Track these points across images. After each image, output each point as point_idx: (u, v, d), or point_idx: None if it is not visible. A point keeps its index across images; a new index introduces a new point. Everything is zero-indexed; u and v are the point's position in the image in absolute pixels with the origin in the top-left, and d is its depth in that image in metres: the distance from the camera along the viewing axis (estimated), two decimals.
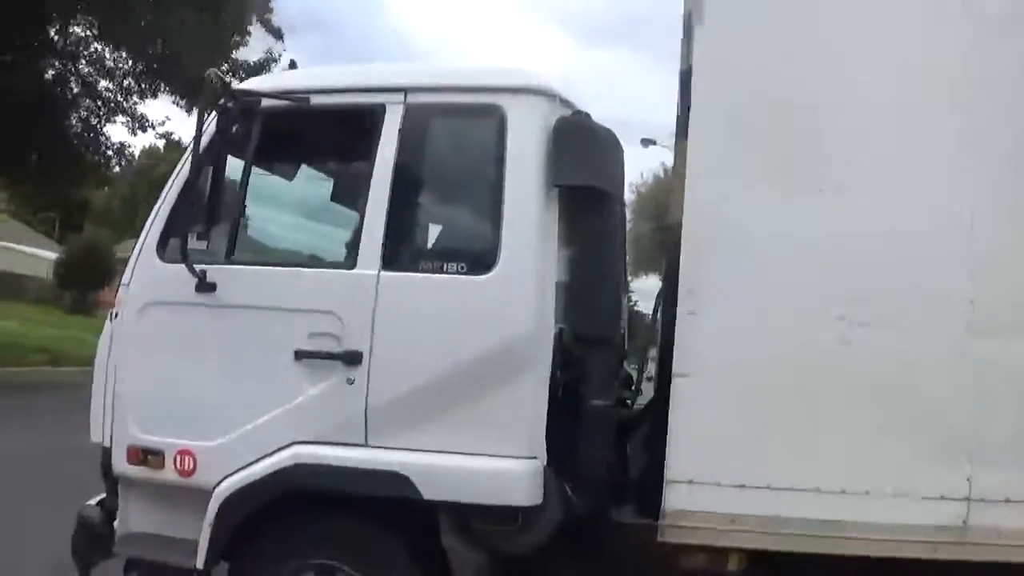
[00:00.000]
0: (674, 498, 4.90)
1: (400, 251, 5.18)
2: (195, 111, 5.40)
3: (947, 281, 4.81)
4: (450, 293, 5.04)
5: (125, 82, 27.07)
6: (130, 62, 26.48)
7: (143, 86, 26.78)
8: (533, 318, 5.00)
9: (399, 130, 5.26)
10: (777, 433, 4.88)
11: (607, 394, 5.36)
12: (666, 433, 4.93)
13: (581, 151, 5.10)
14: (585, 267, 5.27)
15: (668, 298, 5.23)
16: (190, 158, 5.38)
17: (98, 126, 27.46)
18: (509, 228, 5.01)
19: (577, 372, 5.21)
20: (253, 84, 5.72)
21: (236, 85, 5.51)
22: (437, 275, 5.07)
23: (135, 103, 27.12)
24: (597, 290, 5.32)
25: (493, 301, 4.99)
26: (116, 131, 38.82)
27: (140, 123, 27.01)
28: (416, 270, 5.12)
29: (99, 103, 27.25)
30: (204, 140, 5.29)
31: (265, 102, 5.34)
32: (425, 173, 5.38)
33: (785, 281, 4.92)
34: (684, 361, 4.95)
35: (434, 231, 5.31)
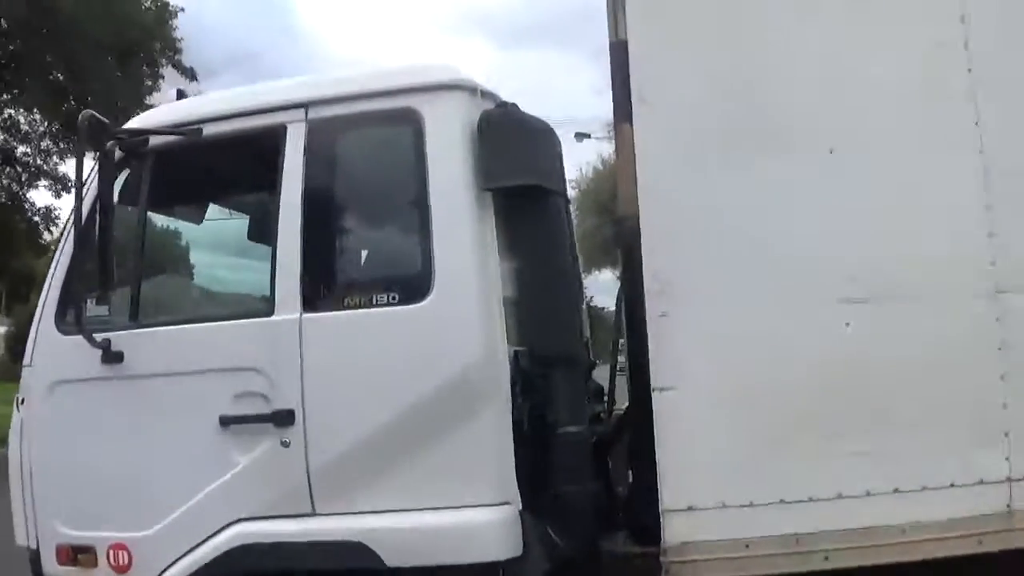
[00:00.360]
0: (674, 529, 4.28)
1: (321, 288, 4.63)
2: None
3: (963, 245, 4.27)
4: (383, 328, 4.50)
5: (42, 144, 26.61)
6: (45, 123, 26.02)
7: (61, 146, 26.17)
8: (482, 344, 4.44)
9: (304, 151, 4.68)
10: (785, 439, 4.28)
11: (578, 417, 4.81)
12: (649, 446, 4.38)
13: (512, 147, 4.57)
14: (534, 277, 4.74)
15: (632, 300, 4.63)
16: (74, 214, 4.79)
17: (21, 193, 26.97)
18: (441, 245, 4.46)
19: (541, 397, 4.71)
20: (136, 122, 5.15)
21: (116, 126, 4.91)
22: (366, 310, 4.52)
23: (56, 164, 26.65)
24: (551, 301, 4.77)
25: (433, 331, 4.44)
26: (40, 196, 38.00)
27: (63, 184, 26.23)
28: (341, 307, 4.57)
29: (19, 169, 26.68)
30: (89, 191, 4.71)
31: (152, 140, 4.82)
32: (339, 195, 4.78)
33: (771, 266, 4.35)
34: (664, 372, 4.34)
35: (357, 260, 4.76)
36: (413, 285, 4.49)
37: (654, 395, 4.32)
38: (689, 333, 4.31)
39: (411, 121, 4.57)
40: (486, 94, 4.77)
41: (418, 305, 4.45)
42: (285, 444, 4.51)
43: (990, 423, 4.19)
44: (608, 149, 29.75)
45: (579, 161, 38.43)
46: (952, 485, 4.16)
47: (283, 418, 4.50)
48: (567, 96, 70.26)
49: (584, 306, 6.22)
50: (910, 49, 4.35)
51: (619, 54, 4.59)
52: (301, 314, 4.53)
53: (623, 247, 4.76)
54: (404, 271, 4.61)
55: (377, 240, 4.81)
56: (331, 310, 4.57)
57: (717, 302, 4.32)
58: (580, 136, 31.69)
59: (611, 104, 4.64)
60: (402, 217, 4.71)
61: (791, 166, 4.37)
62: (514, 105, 4.75)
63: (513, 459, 4.42)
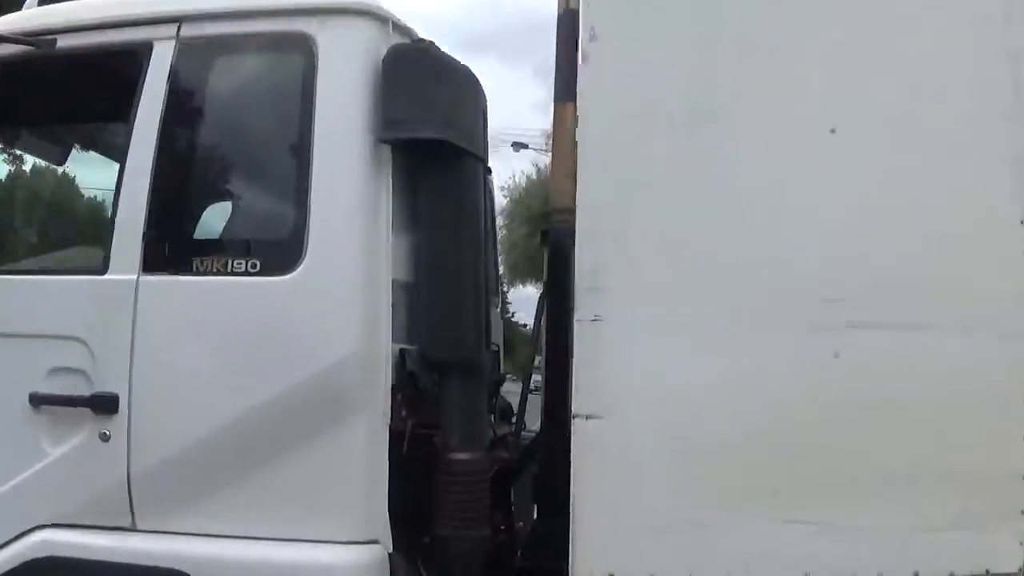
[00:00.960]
0: None
1: (168, 245, 3.77)
2: None
3: (995, 264, 3.40)
4: (238, 302, 3.67)
5: None
6: None
7: None
8: (359, 334, 3.61)
9: (168, 74, 3.82)
10: (742, 499, 3.39)
11: (475, 439, 3.90)
12: (561, 483, 3.53)
13: (422, 91, 3.71)
14: (436, 258, 3.84)
15: (556, 306, 4.00)
16: None
17: None
18: (319, 205, 3.61)
19: (430, 411, 3.83)
20: None
21: None
22: (219, 277, 3.67)
23: None
24: (454, 290, 3.85)
25: (299, 312, 3.62)
26: None
27: None
28: (190, 271, 3.70)
29: None
30: None
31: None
32: (204, 133, 3.93)
33: (741, 270, 3.44)
34: (590, 395, 3.41)
35: (216, 215, 4.01)
36: (280, 252, 3.66)
37: (574, 423, 3.43)
38: (626, 347, 3.43)
39: (301, 48, 3.73)
40: (400, 27, 3.91)
41: (283, 277, 3.61)
42: (104, 437, 3.67)
43: (1005, 495, 3.32)
44: (544, 160, 28.52)
45: (514, 170, 37.88)
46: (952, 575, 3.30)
47: (104, 404, 3.65)
48: (509, 110, 68.91)
49: (498, 308, 5.42)
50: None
51: (568, 25, 4.01)
52: (139, 275, 3.69)
53: (551, 246, 4.11)
54: (271, 234, 3.82)
55: (244, 192, 4.02)
56: (176, 273, 3.71)
57: (666, 310, 3.44)
58: (517, 146, 31.06)
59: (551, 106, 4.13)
60: (277, 166, 3.88)
61: (776, 142, 3.46)
62: (431, 43, 3.85)
63: (387, 486, 3.59)
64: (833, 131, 3.41)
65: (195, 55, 3.85)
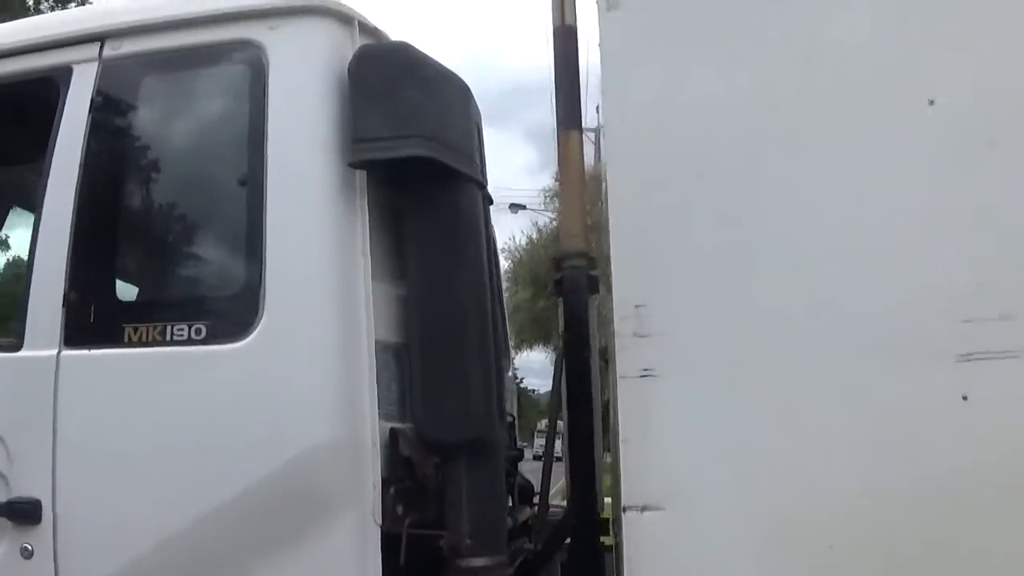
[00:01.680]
0: None
1: (94, 311, 3.05)
2: None
3: None
4: (181, 379, 2.94)
5: None
6: None
7: None
8: (335, 414, 2.86)
9: (90, 103, 3.16)
10: None
11: (492, 542, 3.09)
12: None
13: (400, 101, 2.97)
14: (431, 310, 3.08)
15: (573, 353, 3.46)
16: None
17: None
18: (277, 252, 2.91)
19: (433, 508, 3.03)
20: None
21: None
22: (157, 348, 2.95)
23: None
24: (456, 352, 3.07)
25: (256, 388, 2.88)
26: None
27: None
28: (121, 342, 2.98)
29: None
30: None
31: None
32: (135, 172, 3.23)
33: (835, 298, 2.68)
34: (644, 478, 2.69)
35: (152, 272, 3.32)
36: (230, 313, 2.97)
37: (625, 518, 2.68)
38: (691, 411, 2.69)
39: (248, 59, 3.05)
40: (368, 29, 3.18)
41: (235, 345, 2.89)
42: (26, 552, 2.98)
43: None
44: (543, 219, 28.65)
45: (512, 230, 37.40)
46: None
47: (23, 512, 2.98)
48: (502, 173, 68.54)
49: (510, 370, 4.59)
50: None
51: (564, 42, 3.60)
52: (59, 349, 3.01)
53: (566, 294, 3.56)
54: (218, 290, 3.11)
55: (185, 241, 3.25)
56: (105, 345, 3.01)
57: (742, 358, 2.70)
58: (515, 207, 30.27)
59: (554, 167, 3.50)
60: (224, 207, 3.15)
61: (861, 129, 2.71)
62: (407, 44, 3.12)
63: None
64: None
65: (122, 77, 3.19)
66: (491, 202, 3.58)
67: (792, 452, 2.63)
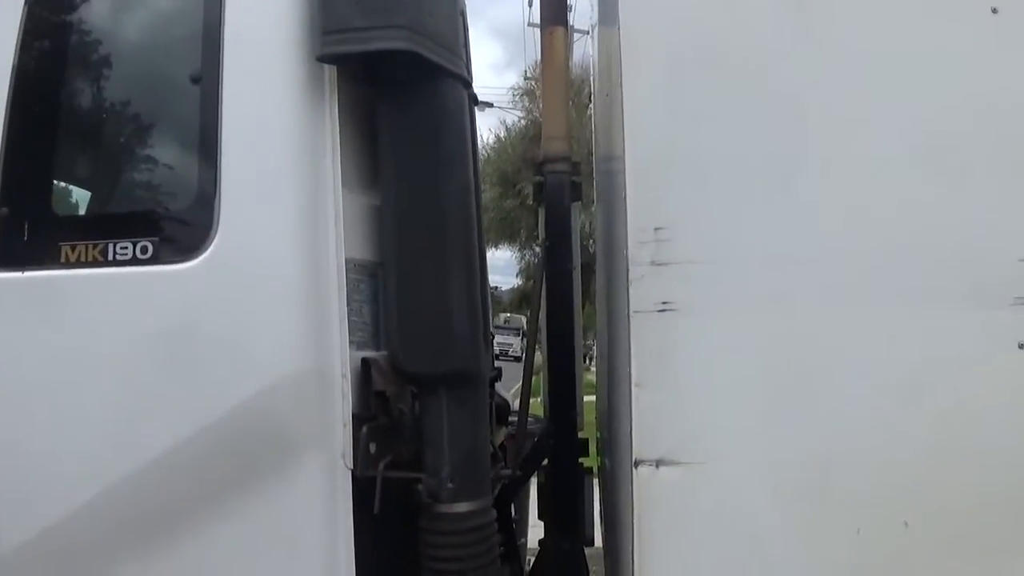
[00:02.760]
0: None
1: (25, 226, 2.66)
2: None
3: None
4: (124, 303, 2.58)
5: None
6: None
7: None
8: (299, 343, 2.54)
9: None
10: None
11: (476, 484, 2.79)
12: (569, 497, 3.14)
13: None
14: (409, 225, 2.72)
15: (555, 265, 3.37)
16: None
17: None
18: (233, 158, 2.54)
19: (410, 448, 2.71)
20: None
21: None
22: (96, 269, 2.58)
23: None
24: (437, 271, 2.72)
25: (209, 314, 2.55)
26: None
27: None
28: (56, 262, 2.61)
29: None
30: None
31: None
32: (75, 65, 2.81)
33: (885, 227, 2.44)
34: (660, 430, 2.41)
35: (93, 181, 2.90)
36: (180, 229, 2.63)
37: (637, 473, 2.43)
38: (717, 352, 2.41)
39: None
40: None
41: (184, 265, 2.54)
42: None
43: None
44: (512, 118, 28.29)
45: (481, 129, 37.19)
46: None
47: None
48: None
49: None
50: None
51: None
52: None
53: (547, 201, 3.43)
54: (166, 203, 2.73)
55: (128, 148, 2.84)
56: (38, 266, 2.63)
57: (779, 292, 2.42)
58: (483, 105, 29.56)
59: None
60: (173, 106, 2.76)
61: (914, 36, 2.46)
62: None
63: (352, 556, 2.55)
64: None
65: None
66: (477, 102, 3.19)
67: (831, 400, 2.36)
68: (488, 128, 32.86)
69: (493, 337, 3.86)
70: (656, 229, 2.39)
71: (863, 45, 2.46)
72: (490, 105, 29.04)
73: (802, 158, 2.43)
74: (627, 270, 2.41)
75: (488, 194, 26.64)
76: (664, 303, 2.37)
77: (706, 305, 2.40)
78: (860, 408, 2.34)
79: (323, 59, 2.54)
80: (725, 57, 2.47)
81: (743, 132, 2.45)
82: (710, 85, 2.47)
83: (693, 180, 2.43)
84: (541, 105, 3.78)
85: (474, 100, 3.06)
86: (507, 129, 28.17)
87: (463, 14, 2.93)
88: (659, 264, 2.37)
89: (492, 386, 3.74)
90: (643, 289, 2.38)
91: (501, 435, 3.73)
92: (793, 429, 2.36)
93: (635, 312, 2.38)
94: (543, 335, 3.51)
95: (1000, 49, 2.41)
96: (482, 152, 29.09)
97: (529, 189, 3.91)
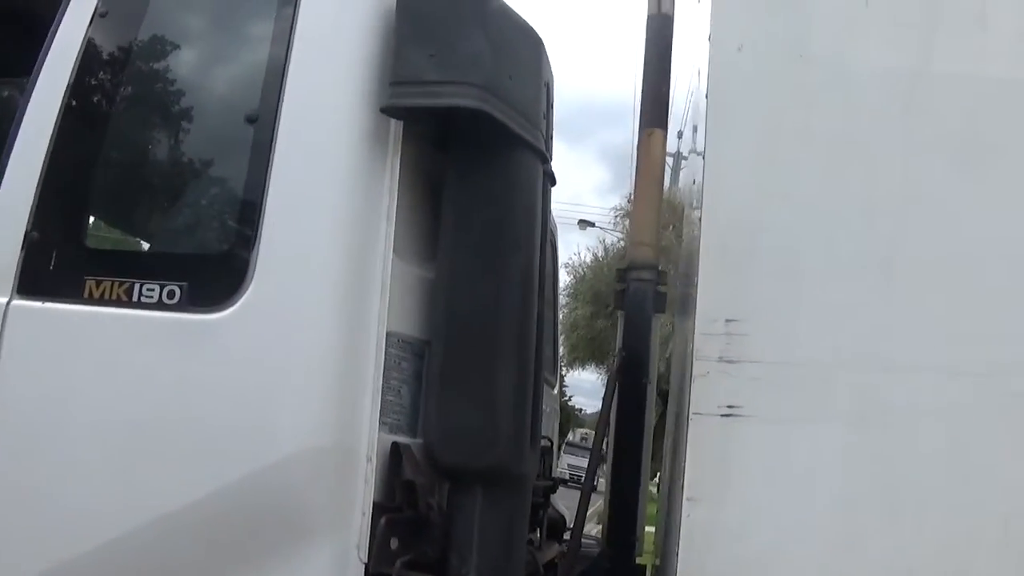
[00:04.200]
0: None
1: (53, 253, 2.52)
2: None
3: None
4: (144, 348, 2.40)
5: None
6: None
7: None
8: (324, 417, 2.29)
9: (92, 19, 2.64)
10: None
11: None
12: None
13: (454, 41, 2.42)
14: (462, 304, 2.50)
15: (630, 375, 3.08)
16: None
17: None
18: (278, 207, 2.36)
19: (435, 546, 2.42)
20: None
21: None
22: (120, 309, 2.40)
23: None
24: (487, 358, 2.48)
25: (232, 371, 2.33)
26: None
27: None
28: (80, 296, 2.44)
29: None
30: None
31: None
32: (128, 97, 2.66)
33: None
34: (708, 555, 2.15)
35: (127, 217, 2.83)
36: (212, 275, 2.40)
37: None
38: (787, 467, 2.15)
39: None
40: None
41: (213, 315, 2.34)
42: None
43: None
44: (612, 238, 27.78)
45: (579, 246, 37.22)
46: None
47: None
48: (572, 192, 69.13)
49: (556, 388, 4.10)
50: None
51: (658, 31, 3.39)
52: (11, 297, 2.49)
53: (627, 310, 3.22)
54: (201, 247, 2.60)
55: (171, 185, 2.71)
56: (59, 298, 2.47)
57: (869, 403, 2.16)
58: (584, 223, 29.79)
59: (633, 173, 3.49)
60: (224, 148, 2.59)
61: None
62: None
63: None
64: None
65: None
66: (554, 182, 2.98)
67: (924, 534, 2.01)
68: (587, 247, 33.04)
69: (551, 443, 3.60)
70: (727, 321, 2.13)
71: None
72: (592, 224, 29.63)
73: (899, 252, 2.17)
74: (691, 365, 2.14)
75: (580, 312, 26.65)
76: (730, 407, 2.10)
77: (776, 411, 2.13)
78: (956, 544, 2.02)
79: (387, 111, 2.36)
80: (815, 133, 2.26)
81: (834, 217, 2.21)
82: (800, 162, 2.25)
83: (771, 269, 2.18)
84: (632, 209, 3.47)
85: (551, 179, 2.84)
86: (605, 249, 28.01)
87: (548, 86, 2.73)
88: (728, 361, 2.10)
89: (547, 497, 3.49)
90: (706, 388, 2.12)
91: (552, 551, 3.50)
92: (875, 565, 2.03)
93: (695, 414, 2.11)
94: (610, 452, 3.24)
95: None
96: (578, 269, 29.50)
97: None
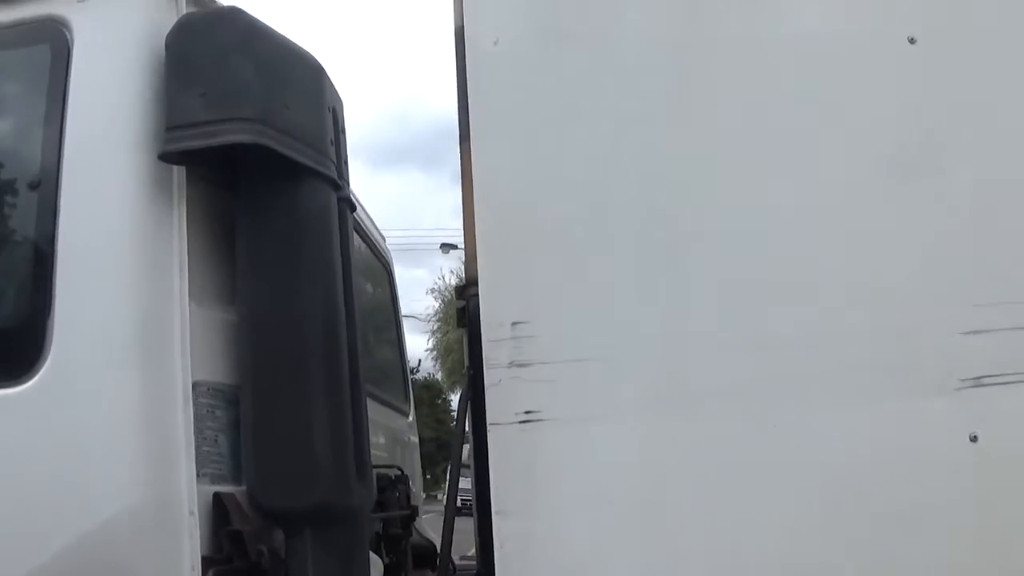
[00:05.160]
0: None
1: None
2: None
3: None
4: None
5: None
6: None
7: None
8: (139, 475, 2.22)
9: None
10: None
11: None
12: None
13: (225, 77, 2.38)
14: (264, 341, 2.46)
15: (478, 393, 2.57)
16: None
17: None
18: (69, 272, 2.29)
19: None
20: None
21: None
22: None
23: None
24: (295, 394, 2.44)
25: (39, 444, 2.25)
26: None
27: None
28: None
29: None
30: None
31: None
32: None
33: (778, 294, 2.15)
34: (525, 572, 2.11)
35: None
36: (9, 349, 2.33)
37: None
38: (595, 471, 2.10)
39: (49, 38, 2.46)
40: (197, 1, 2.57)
41: (14, 390, 2.27)
42: None
43: None
44: None
45: (443, 271, 37.57)
46: None
47: None
48: (435, 217, 69.23)
49: (409, 417, 4.08)
50: None
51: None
52: None
53: (469, 326, 2.82)
54: None
55: None
56: None
57: (674, 393, 2.11)
58: (447, 247, 30.14)
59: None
60: (8, 218, 2.49)
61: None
62: (236, 9, 2.52)
63: None
64: None
65: None
66: (353, 208, 2.95)
67: (744, 518, 2.01)
68: (450, 270, 33.34)
69: (402, 472, 3.56)
70: (514, 324, 2.11)
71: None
72: (454, 247, 29.43)
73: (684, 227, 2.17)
74: (482, 375, 2.12)
75: (452, 335, 26.55)
76: (527, 412, 2.07)
77: (577, 411, 2.09)
78: (781, 526, 2.03)
79: (164, 157, 2.30)
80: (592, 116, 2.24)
81: (612, 201, 2.20)
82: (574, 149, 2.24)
83: (558, 263, 2.16)
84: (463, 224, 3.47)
85: (349, 204, 2.82)
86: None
87: (335, 110, 2.70)
88: (519, 365, 2.08)
89: (408, 526, 3.45)
90: (501, 396, 2.09)
91: None
92: (696, 554, 2.04)
93: (493, 424, 2.08)
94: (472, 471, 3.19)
95: None
96: (444, 293, 29.41)
97: None
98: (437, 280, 32.05)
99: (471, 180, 3.11)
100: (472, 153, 2.35)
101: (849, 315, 2.09)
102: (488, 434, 2.11)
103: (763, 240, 2.15)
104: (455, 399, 30.42)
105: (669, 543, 2.07)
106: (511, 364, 2.09)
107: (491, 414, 2.11)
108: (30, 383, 2.23)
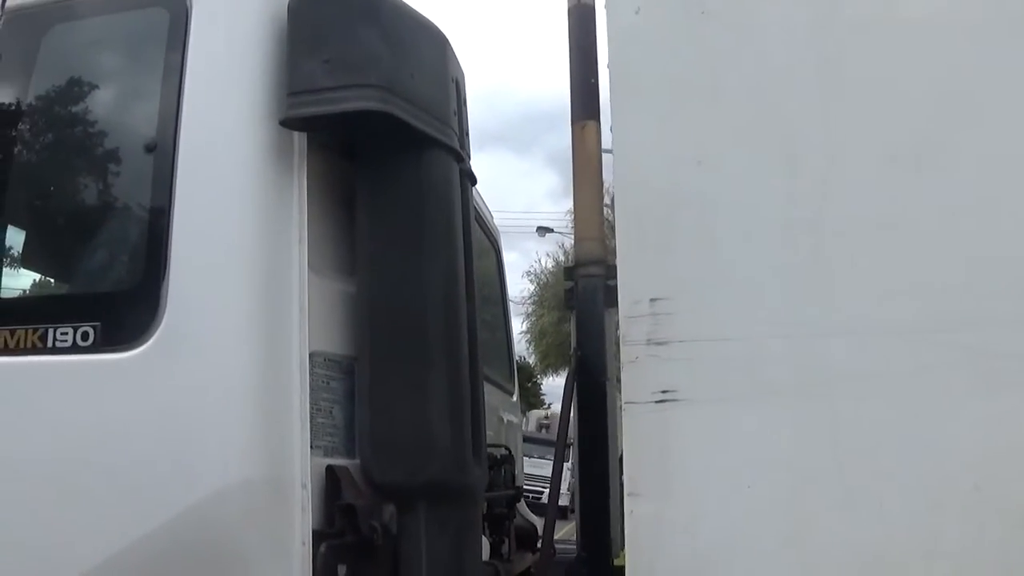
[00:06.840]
0: None
1: None
2: None
3: None
4: (59, 394, 2.27)
5: None
6: None
7: None
8: (251, 449, 2.16)
9: None
10: None
11: None
12: None
13: (349, 45, 2.32)
14: (385, 314, 2.40)
15: (587, 375, 2.84)
16: None
17: None
18: (185, 237, 2.24)
19: (383, 570, 2.30)
20: None
21: None
22: (29, 357, 2.28)
23: None
24: (414, 369, 2.38)
25: (150, 411, 2.19)
26: None
27: None
28: None
29: None
30: None
31: None
32: (23, 136, 2.54)
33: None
34: (655, 555, 2.02)
35: (32, 261, 2.57)
36: (123, 314, 2.28)
37: None
38: (736, 450, 2.02)
39: (167, 8, 2.41)
40: None
41: (128, 354, 2.21)
42: None
43: None
44: (571, 242, 27.76)
45: (539, 254, 37.69)
46: None
47: None
48: (528, 201, 69.45)
49: (514, 395, 4.03)
50: None
51: (581, 21, 3.15)
52: None
53: (579, 307, 3.03)
54: (111, 285, 2.45)
55: (73, 224, 2.57)
56: None
57: (809, 377, 2.02)
58: (542, 230, 29.74)
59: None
60: (124, 181, 2.45)
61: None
62: None
63: None
64: None
65: (18, 30, 2.56)
66: (474, 181, 2.89)
67: (879, 517, 1.90)
68: (547, 253, 33.41)
69: (509, 452, 3.50)
70: (652, 300, 2.02)
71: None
72: (550, 230, 29.73)
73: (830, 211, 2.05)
74: (617, 352, 2.03)
75: (547, 319, 26.60)
76: (664, 391, 1.98)
77: (716, 392, 2.01)
78: (921, 517, 1.91)
79: (287, 123, 2.26)
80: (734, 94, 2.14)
81: (757, 181, 2.10)
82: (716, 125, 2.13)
83: (698, 241, 2.07)
84: (574, 205, 3.37)
85: (470, 177, 2.75)
86: (565, 253, 28.32)
87: (457, 82, 2.64)
88: (657, 343, 1.99)
89: (512, 506, 3.39)
90: (638, 374, 2.00)
91: (526, 562, 3.49)
92: (836, 544, 1.94)
93: (628, 403, 1.99)
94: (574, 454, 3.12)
95: None
96: (540, 276, 29.30)
97: None
98: (533, 263, 32.07)
99: (586, 160, 3.09)
100: (613, 127, 2.27)
101: (995, 304, 2.00)
102: (623, 413, 2.03)
103: (908, 226, 2.05)
104: (546, 382, 30.62)
105: (808, 530, 1.99)
106: (648, 342, 2.01)
107: (626, 393, 2.04)
108: (142, 348, 2.21)
